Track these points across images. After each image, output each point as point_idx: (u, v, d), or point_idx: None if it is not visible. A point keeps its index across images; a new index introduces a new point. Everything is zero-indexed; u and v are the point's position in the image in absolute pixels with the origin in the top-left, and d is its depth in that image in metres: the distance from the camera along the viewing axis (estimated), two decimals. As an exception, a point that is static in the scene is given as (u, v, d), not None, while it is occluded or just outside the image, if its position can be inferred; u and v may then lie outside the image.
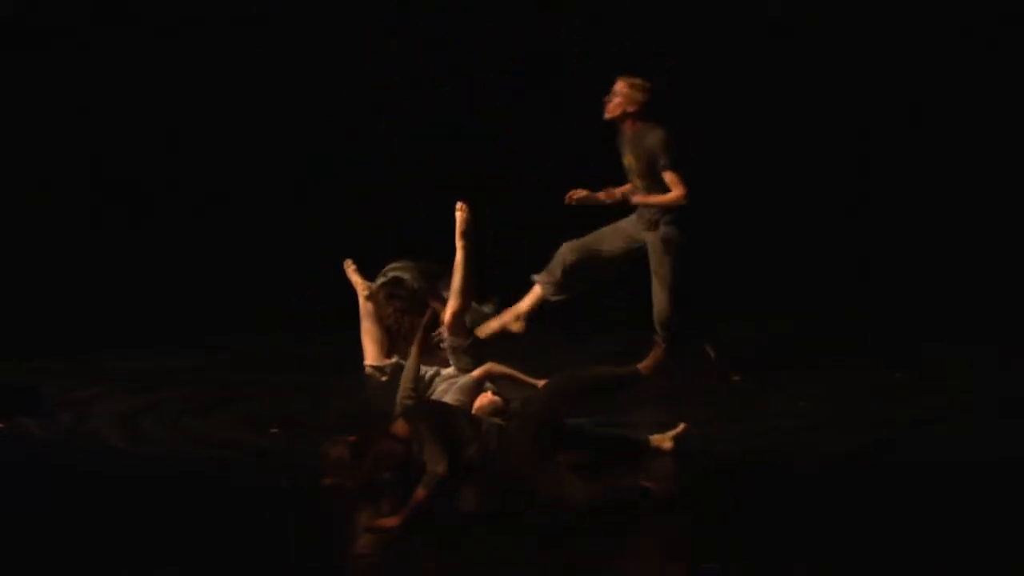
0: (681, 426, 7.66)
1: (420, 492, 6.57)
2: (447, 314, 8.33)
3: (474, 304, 8.75)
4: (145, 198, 11.94)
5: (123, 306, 11.26)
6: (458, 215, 8.43)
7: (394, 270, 8.74)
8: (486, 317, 9.03)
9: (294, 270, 11.39)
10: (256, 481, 7.34)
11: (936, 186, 11.81)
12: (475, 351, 8.31)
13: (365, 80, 12.04)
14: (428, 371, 8.23)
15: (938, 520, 6.50)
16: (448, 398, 7.96)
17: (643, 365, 7.59)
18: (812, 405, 8.69)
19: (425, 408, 7.32)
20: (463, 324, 8.37)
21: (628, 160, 9.34)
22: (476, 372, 8.13)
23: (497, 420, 7.36)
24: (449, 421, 6.99)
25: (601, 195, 9.43)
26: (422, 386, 8.03)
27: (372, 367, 8.64)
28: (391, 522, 6.49)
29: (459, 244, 8.41)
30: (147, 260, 11.78)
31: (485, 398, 7.90)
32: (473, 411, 7.75)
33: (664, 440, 7.62)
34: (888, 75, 11.87)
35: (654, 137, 9.21)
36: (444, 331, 8.36)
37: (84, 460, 7.82)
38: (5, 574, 6.07)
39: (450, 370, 8.24)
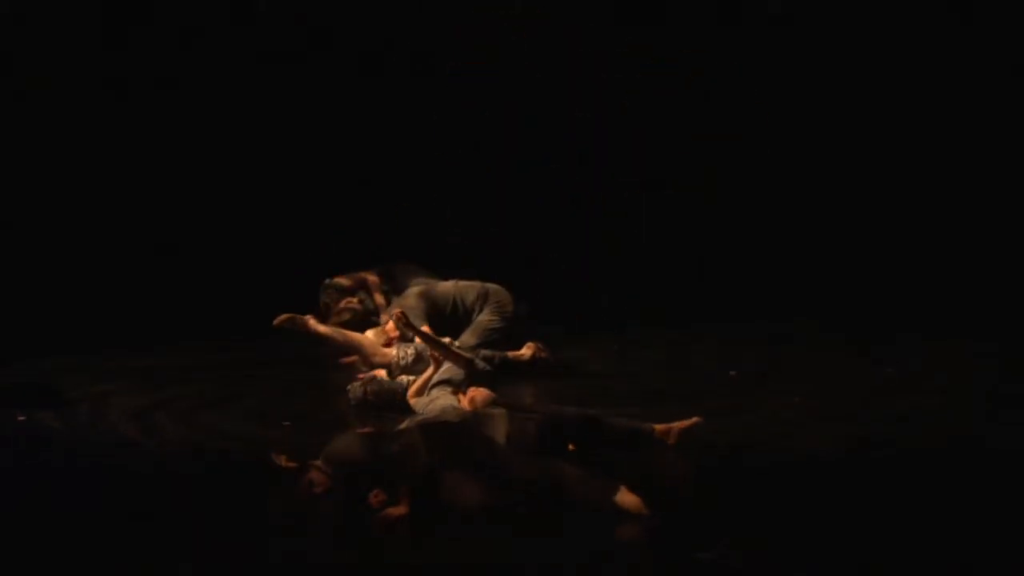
0: (693, 419, 7.69)
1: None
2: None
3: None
4: (148, 202, 12.04)
5: (134, 308, 11.38)
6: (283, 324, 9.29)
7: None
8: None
9: (294, 270, 11.45)
10: (261, 478, 7.41)
11: (936, 185, 11.86)
12: (411, 366, 8.87)
13: (365, 84, 12.13)
14: (404, 380, 8.68)
15: (936, 517, 6.55)
16: (437, 391, 8.20)
17: None
18: (807, 402, 8.70)
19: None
20: (369, 362, 9.22)
21: None
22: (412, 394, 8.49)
23: (496, 411, 7.43)
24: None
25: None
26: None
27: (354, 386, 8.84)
28: (399, 511, 6.55)
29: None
30: (152, 262, 11.90)
31: (480, 395, 7.94)
32: (469, 405, 7.83)
33: (669, 432, 7.65)
34: (889, 75, 11.95)
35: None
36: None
37: (100, 453, 7.94)
38: (23, 566, 6.16)
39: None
